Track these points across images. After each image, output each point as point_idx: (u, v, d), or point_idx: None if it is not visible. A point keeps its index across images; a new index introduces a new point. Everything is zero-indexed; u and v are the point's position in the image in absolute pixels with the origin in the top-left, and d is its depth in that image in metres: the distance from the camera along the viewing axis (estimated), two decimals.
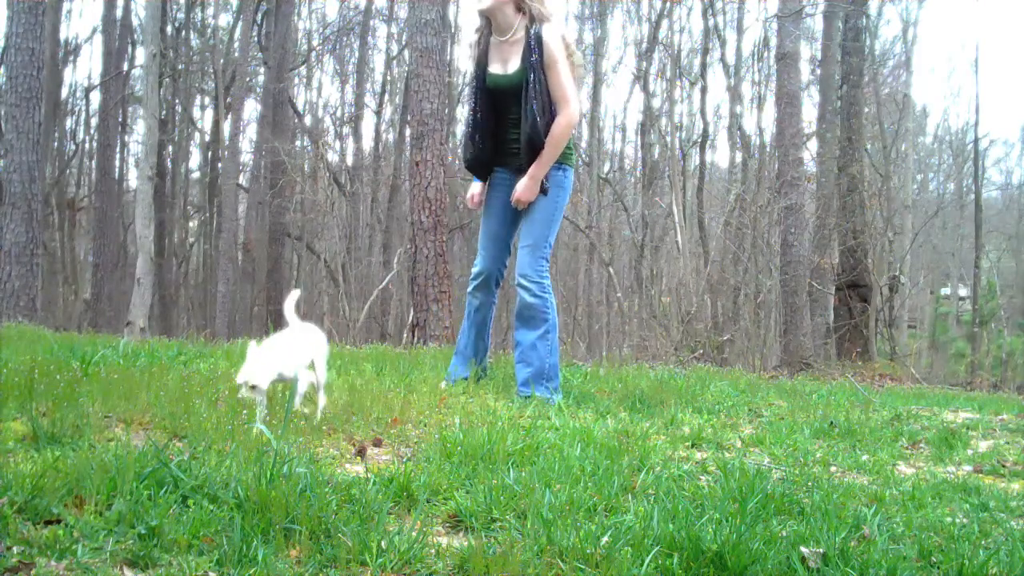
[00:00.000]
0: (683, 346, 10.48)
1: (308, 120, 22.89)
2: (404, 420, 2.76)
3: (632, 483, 2.12)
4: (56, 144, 21.76)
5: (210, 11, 22.81)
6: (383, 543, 1.56)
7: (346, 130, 22.28)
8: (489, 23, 3.62)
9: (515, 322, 3.61)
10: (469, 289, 3.79)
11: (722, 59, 18.52)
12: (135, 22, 20.81)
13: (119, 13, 19.84)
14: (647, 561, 1.55)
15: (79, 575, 1.37)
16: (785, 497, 2.04)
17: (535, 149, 3.47)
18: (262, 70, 20.04)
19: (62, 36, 20.80)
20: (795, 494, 2.09)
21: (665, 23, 18.92)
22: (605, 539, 1.65)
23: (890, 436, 3.30)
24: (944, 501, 2.26)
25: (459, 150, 3.73)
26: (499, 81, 3.56)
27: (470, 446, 2.29)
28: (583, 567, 1.54)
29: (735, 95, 18.23)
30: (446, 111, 7.93)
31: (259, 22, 19.94)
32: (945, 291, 27.29)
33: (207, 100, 23.88)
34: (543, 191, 3.55)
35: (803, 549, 1.65)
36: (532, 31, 3.48)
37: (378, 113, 21.79)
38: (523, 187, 3.52)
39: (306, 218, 18.60)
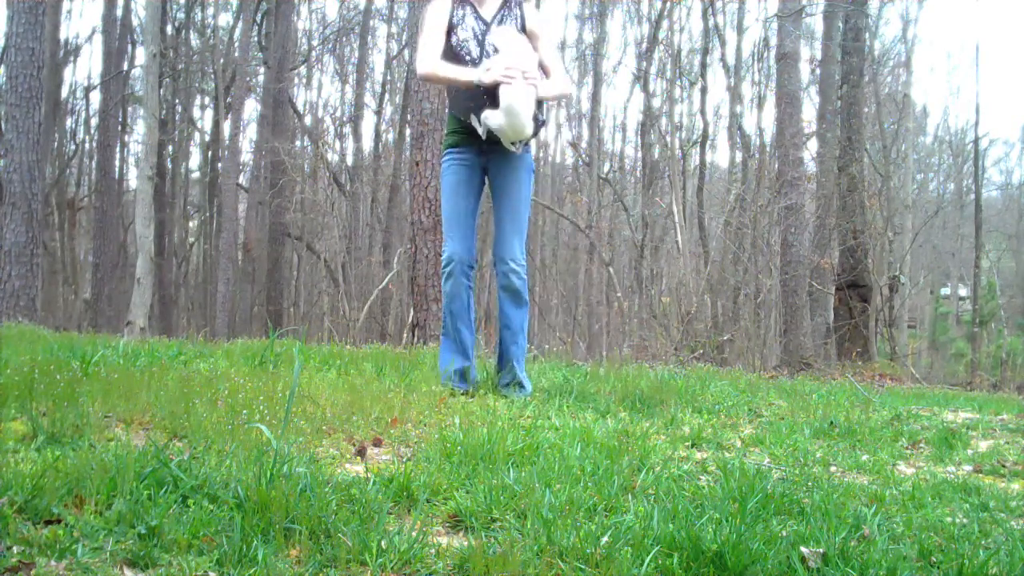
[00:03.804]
0: (683, 346, 10.47)
1: (308, 120, 22.91)
2: (404, 420, 2.76)
3: (632, 483, 2.12)
4: (56, 144, 21.78)
5: (210, 11, 22.83)
6: (383, 543, 1.56)
7: (346, 130, 22.30)
8: None
9: (505, 304, 3.60)
10: (443, 279, 3.59)
11: (722, 59, 18.55)
12: (135, 22, 20.84)
13: (119, 13, 19.85)
14: (647, 561, 1.55)
15: (79, 575, 1.37)
16: (785, 497, 2.04)
17: None
18: (262, 70, 20.05)
19: (62, 36, 20.83)
20: (795, 494, 2.09)
21: (665, 23, 18.92)
22: (605, 539, 1.65)
23: (890, 436, 3.30)
24: (944, 501, 2.25)
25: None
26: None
27: (470, 446, 2.29)
28: (583, 567, 1.54)
29: (735, 95, 18.24)
30: (446, 111, 7.92)
31: (259, 22, 19.95)
32: (945, 291, 27.32)
33: (207, 100, 23.91)
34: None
35: (803, 549, 1.65)
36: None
37: (378, 113, 21.82)
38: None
39: (306, 218, 18.62)
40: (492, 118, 3.38)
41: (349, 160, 20.85)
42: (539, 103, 3.49)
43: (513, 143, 3.47)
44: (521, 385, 3.59)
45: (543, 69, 3.54)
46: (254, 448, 1.99)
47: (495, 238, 3.62)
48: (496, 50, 3.44)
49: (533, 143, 3.66)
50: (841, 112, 11.84)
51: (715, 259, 13.07)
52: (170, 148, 21.82)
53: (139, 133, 22.81)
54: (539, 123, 3.52)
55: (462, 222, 3.59)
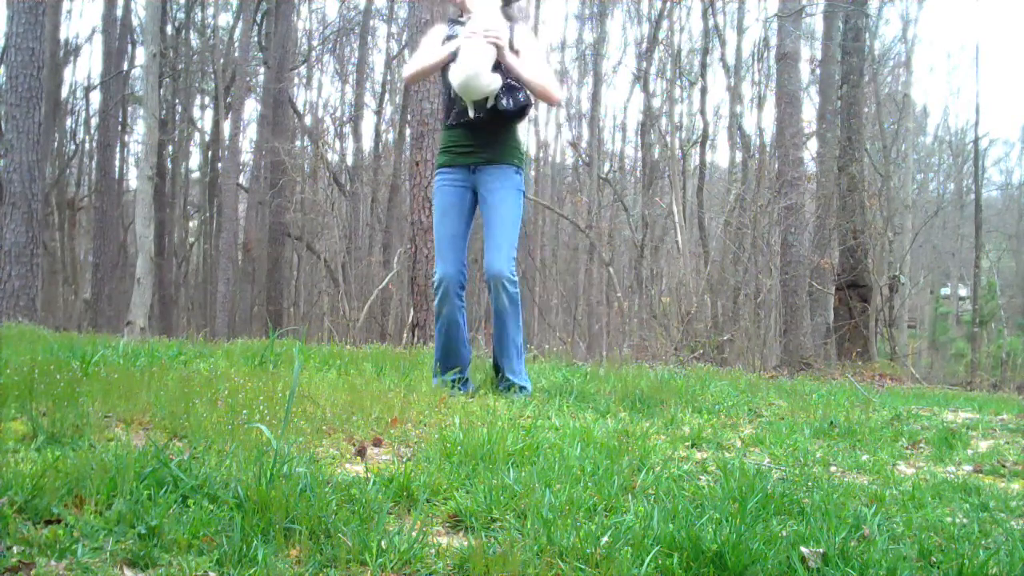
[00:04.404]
0: (683, 346, 10.47)
1: (308, 120, 22.90)
2: (404, 420, 2.76)
3: (632, 483, 2.12)
4: (56, 144, 21.77)
5: (210, 11, 22.83)
6: (383, 543, 1.56)
7: (346, 130, 22.30)
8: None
9: (497, 321, 3.64)
10: (436, 300, 3.67)
11: (722, 59, 18.52)
12: (135, 22, 20.84)
13: (119, 13, 19.85)
14: (647, 561, 1.55)
15: (79, 575, 1.37)
16: (785, 497, 2.04)
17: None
18: (262, 70, 20.05)
19: (62, 36, 20.82)
20: (795, 494, 2.09)
21: (665, 23, 18.92)
22: (605, 539, 1.65)
23: (890, 436, 3.30)
24: (944, 501, 2.25)
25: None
26: None
27: (470, 446, 2.29)
28: (583, 567, 1.54)
29: (735, 95, 18.23)
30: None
31: (259, 22, 19.95)
32: (945, 291, 27.31)
33: (207, 100, 23.90)
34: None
35: (803, 549, 1.65)
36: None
37: (378, 113, 21.81)
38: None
39: (306, 218, 18.61)
40: (452, 75, 3.43)
41: (349, 160, 20.87)
42: (511, 86, 3.51)
43: (476, 103, 3.49)
44: (521, 387, 3.61)
45: None
46: (254, 448, 1.99)
47: (485, 256, 3.61)
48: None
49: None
50: (841, 112, 11.84)
51: (715, 259, 13.07)
52: (170, 148, 21.82)
53: (139, 133, 22.83)
54: (519, 103, 3.52)
55: (452, 244, 3.66)
